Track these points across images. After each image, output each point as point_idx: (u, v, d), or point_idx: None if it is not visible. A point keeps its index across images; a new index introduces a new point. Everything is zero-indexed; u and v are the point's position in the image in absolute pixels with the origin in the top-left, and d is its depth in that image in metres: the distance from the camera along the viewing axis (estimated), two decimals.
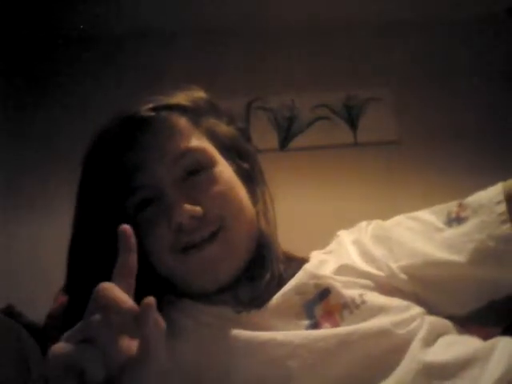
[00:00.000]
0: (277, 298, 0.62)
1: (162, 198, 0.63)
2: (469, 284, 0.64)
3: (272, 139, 2.03)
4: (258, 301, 0.62)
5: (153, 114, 0.65)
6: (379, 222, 0.74)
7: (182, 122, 0.67)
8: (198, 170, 0.65)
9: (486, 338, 0.60)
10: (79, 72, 2.02)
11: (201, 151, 0.66)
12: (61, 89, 1.99)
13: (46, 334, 0.95)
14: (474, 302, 0.66)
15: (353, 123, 2.07)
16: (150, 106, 0.66)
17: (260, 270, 0.66)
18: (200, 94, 0.74)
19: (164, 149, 0.64)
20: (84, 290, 0.63)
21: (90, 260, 0.64)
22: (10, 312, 0.97)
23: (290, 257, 0.72)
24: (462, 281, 0.64)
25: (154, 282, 0.65)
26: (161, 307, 0.63)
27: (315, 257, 0.71)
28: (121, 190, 0.63)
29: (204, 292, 0.64)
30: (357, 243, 0.70)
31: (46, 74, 2.02)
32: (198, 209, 0.62)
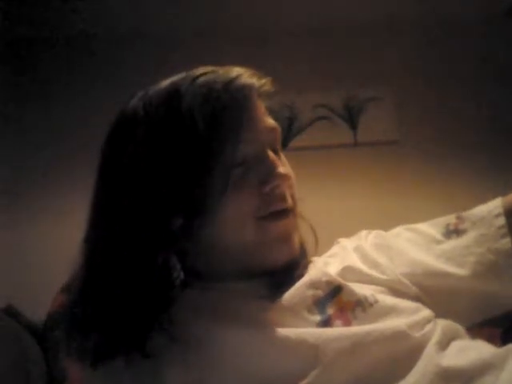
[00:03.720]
0: (290, 292, 0.61)
1: (259, 158, 0.62)
2: (468, 297, 0.64)
3: None
4: (276, 294, 0.61)
5: (254, 83, 0.65)
6: (379, 231, 0.74)
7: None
8: (276, 149, 0.66)
9: (487, 337, 0.60)
10: (79, 72, 2.02)
11: (279, 131, 0.68)
12: (61, 88, 1.99)
13: (46, 334, 0.95)
14: (472, 316, 0.66)
15: (353, 123, 2.07)
16: (256, 77, 0.66)
17: (293, 267, 0.65)
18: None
19: (262, 121, 0.65)
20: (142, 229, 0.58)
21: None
22: (11, 312, 0.97)
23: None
24: (461, 294, 0.64)
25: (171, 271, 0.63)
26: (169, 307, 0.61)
27: (318, 260, 0.71)
28: (226, 141, 0.60)
29: (274, 264, 0.63)
30: (358, 250, 0.70)
31: (46, 73, 2.01)
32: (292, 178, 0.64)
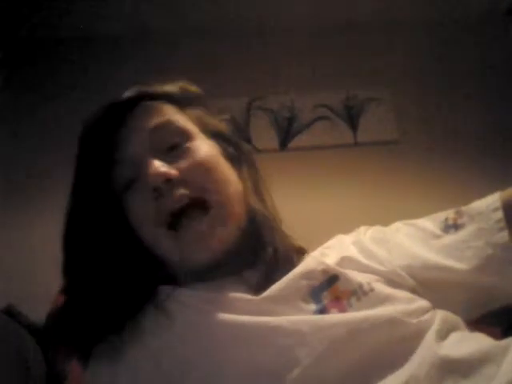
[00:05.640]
0: (283, 282, 0.61)
1: (138, 171, 0.64)
2: (466, 291, 0.64)
3: (272, 139, 2.03)
4: (266, 284, 0.61)
5: (137, 99, 0.68)
6: (378, 227, 0.74)
7: (164, 106, 0.69)
8: (175, 144, 0.66)
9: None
10: (79, 72, 2.02)
11: (176, 123, 0.67)
12: (61, 88, 1.99)
13: (46, 334, 0.95)
14: (469, 310, 0.66)
15: (353, 123, 2.06)
16: (136, 93, 0.69)
17: (262, 252, 0.65)
18: (193, 88, 0.76)
19: (142, 126, 0.66)
20: (83, 269, 0.63)
21: (85, 242, 0.64)
22: (10, 312, 0.96)
23: (300, 248, 0.71)
24: (459, 287, 0.64)
25: (150, 269, 0.65)
26: (157, 298, 0.63)
27: (315, 251, 0.71)
28: (104, 168, 0.65)
29: (199, 265, 0.63)
30: (356, 243, 0.70)
31: (46, 73, 2.01)
32: (173, 172, 0.62)
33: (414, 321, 0.57)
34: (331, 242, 0.74)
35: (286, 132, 2.04)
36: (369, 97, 2.07)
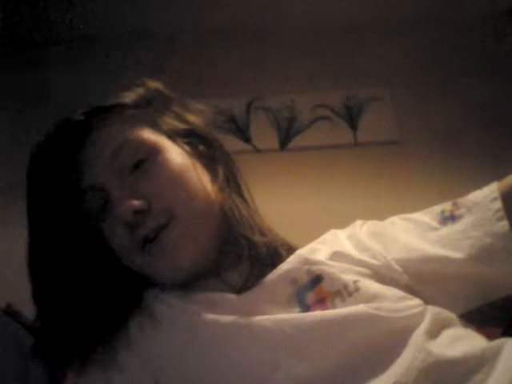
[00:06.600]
0: (266, 282, 0.61)
1: (110, 199, 0.62)
2: (464, 281, 0.63)
3: (272, 139, 2.03)
4: (249, 282, 0.61)
5: (83, 117, 0.66)
6: (374, 221, 0.73)
7: (119, 119, 0.66)
8: (140, 161, 0.64)
9: (487, 337, 0.59)
10: (79, 72, 2.02)
11: (138, 140, 0.65)
12: (60, 89, 1.99)
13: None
14: (468, 301, 0.65)
15: (353, 123, 2.06)
16: (83, 110, 0.68)
17: (239, 249, 0.65)
18: (151, 87, 0.73)
19: (99, 147, 0.63)
20: (54, 297, 0.63)
21: (53, 270, 0.64)
22: (10, 311, 0.96)
23: (292, 246, 0.71)
24: (457, 278, 0.62)
25: (134, 276, 0.65)
26: (144, 301, 0.63)
27: (304, 247, 0.70)
28: (70, 196, 0.63)
29: (176, 282, 0.63)
30: (351, 237, 0.69)
31: (45, 73, 2.01)
32: (141, 203, 0.61)
33: (398, 315, 0.56)
34: (324, 237, 0.73)
35: (286, 132, 2.04)
36: (369, 97, 2.07)
